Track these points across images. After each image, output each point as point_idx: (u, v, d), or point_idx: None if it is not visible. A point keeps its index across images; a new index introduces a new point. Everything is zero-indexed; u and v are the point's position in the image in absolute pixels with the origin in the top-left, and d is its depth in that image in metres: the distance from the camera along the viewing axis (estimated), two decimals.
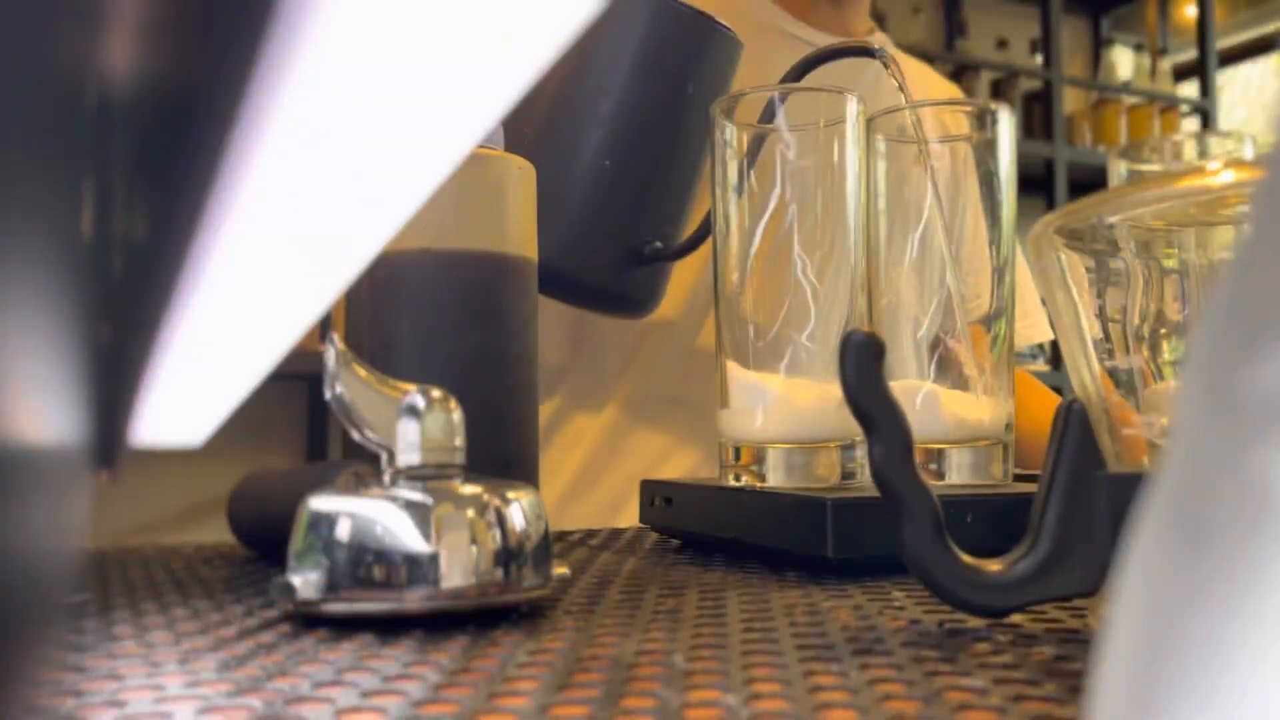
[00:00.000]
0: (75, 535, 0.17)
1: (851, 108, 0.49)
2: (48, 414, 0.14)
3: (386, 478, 0.34)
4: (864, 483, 0.48)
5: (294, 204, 0.16)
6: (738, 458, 0.48)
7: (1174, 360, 0.28)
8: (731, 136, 0.49)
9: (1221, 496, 0.12)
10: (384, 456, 0.34)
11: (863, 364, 0.28)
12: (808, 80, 0.56)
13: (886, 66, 0.56)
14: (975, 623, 0.32)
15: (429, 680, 0.26)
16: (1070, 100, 2.74)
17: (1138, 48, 2.99)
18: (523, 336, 0.51)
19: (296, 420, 2.00)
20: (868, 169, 0.50)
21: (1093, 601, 0.30)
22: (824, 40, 0.82)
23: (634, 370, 0.87)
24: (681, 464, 0.85)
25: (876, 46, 0.58)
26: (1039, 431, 0.55)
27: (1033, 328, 0.93)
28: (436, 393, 0.34)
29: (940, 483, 0.48)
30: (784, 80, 0.55)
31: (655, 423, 0.86)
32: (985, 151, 0.50)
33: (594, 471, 0.85)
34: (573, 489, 0.86)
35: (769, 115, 0.49)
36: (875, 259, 0.51)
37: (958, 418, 0.49)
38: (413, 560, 0.32)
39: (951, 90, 1.03)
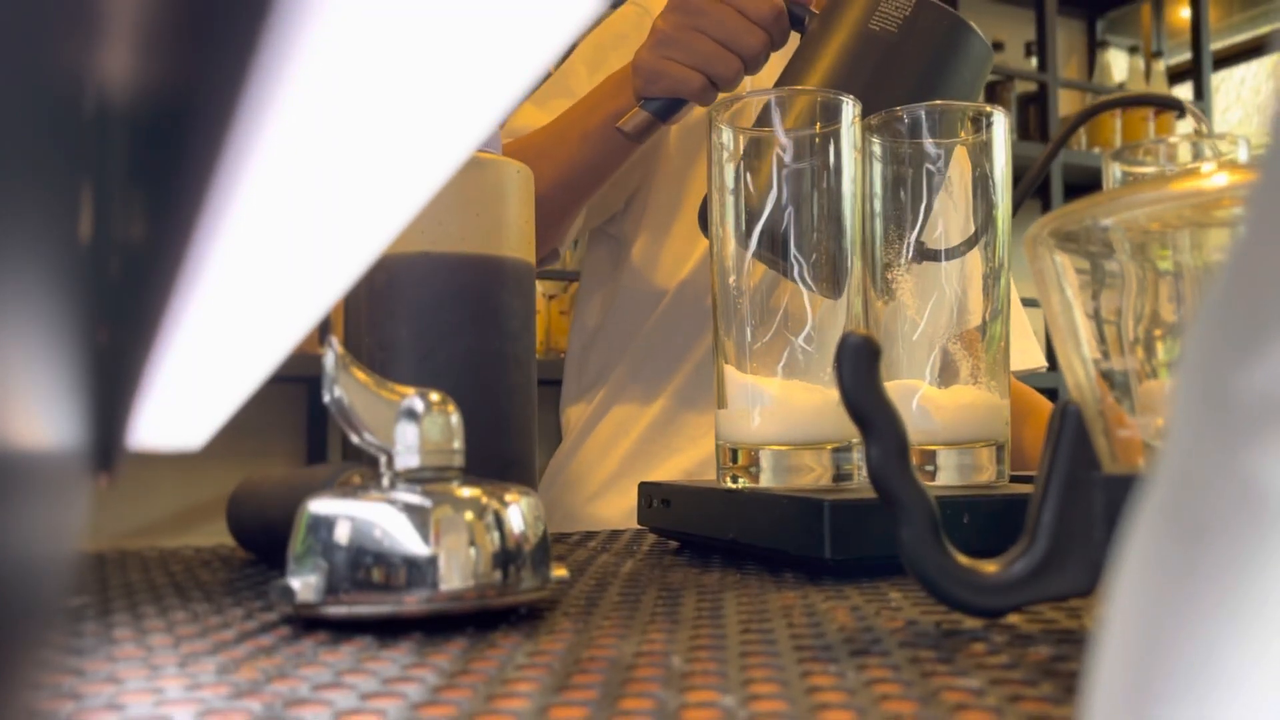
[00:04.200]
0: (74, 538, 0.17)
1: (847, 110, 0.49)
2: (47, 418, 0.14)
3: (385, 480, 0.34)
4: (861, 484, 0.48)
5: (292, 207, 0.16)
6: (735, 459, 0.48)
7: (1169, 362, 0.28)
8: (729, 140, 0.50)
9: (1216, 497, 0.12)
10: (383, 459, 0.34)
11: (859, 366, 0.28)
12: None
13: (1190, 115, 0.58)
14: (972, 623, 0.32)
15: (428, 682, 0.26)
16: (1065, 103, 2.75)
17: (1132, 50, 2.99)
18: (521, 339, 0.51)
19: (296, 423, 1.99)
20: (864, 171, 0.50)
21: (1088, 602, 0.30)
22: None
23: (686, 367, 0.87)
24: None
25: (1182, 100, 0.59)
26: (1038, 435, 0.54)
27: (1023, 353, 0.93)
28: (435, 396, 0.34)
29: (936, 484, 0.49)
30: (1065, 131, 0.57)
31: (707, 419, 0.86)
32: (980, 154, 0.50)
33: (640, 466, 0.86)
34: (615, 482, 0.87)
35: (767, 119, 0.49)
36: (871, 261, 0.51)
37: (954, 419, 0.49)
38: (411, 563, 0.32)
39: None
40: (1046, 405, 0.92)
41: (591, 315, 0.95)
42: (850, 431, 0.46)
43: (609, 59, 0.90)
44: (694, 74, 0.71)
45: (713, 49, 0.70)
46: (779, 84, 0.69)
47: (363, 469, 0.40)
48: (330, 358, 0.33)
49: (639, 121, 0.74)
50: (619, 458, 0.87)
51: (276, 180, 0.14)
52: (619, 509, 0.85)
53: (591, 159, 0.79)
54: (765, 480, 0.47)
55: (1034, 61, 2.72)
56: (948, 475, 0.49)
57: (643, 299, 0.89)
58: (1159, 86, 2.93)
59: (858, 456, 0.48)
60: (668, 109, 0.74)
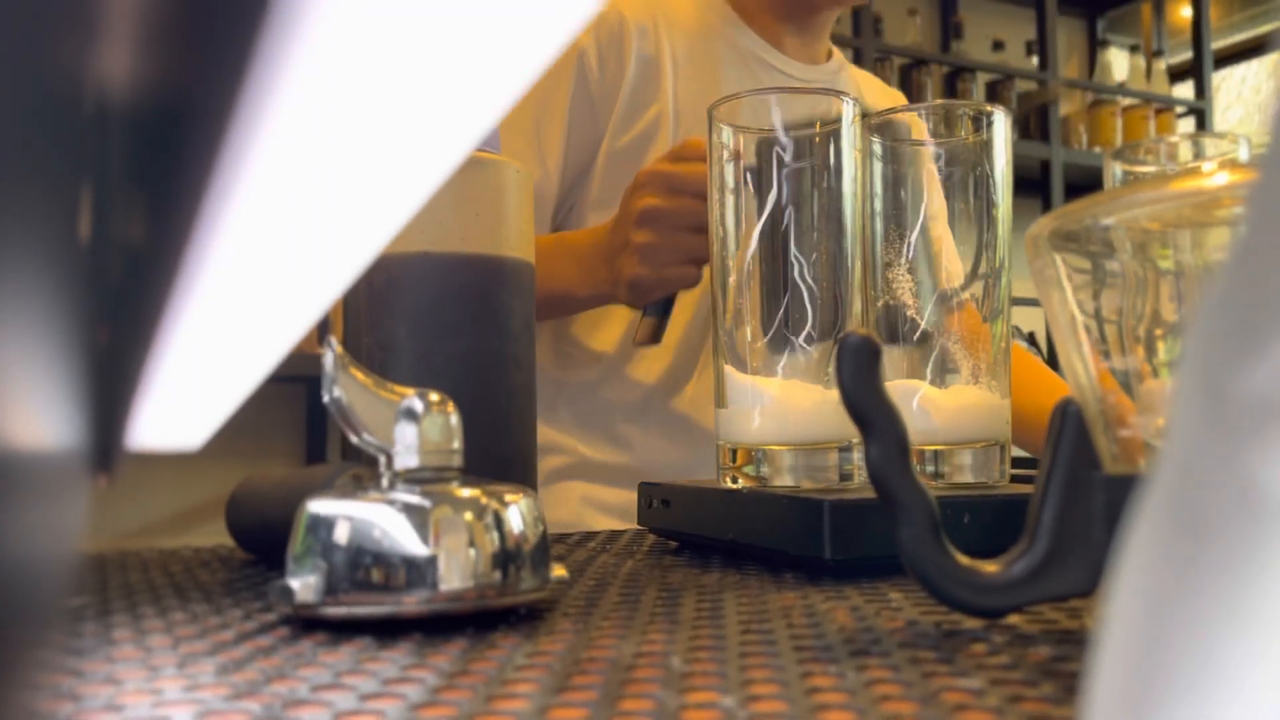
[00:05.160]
0: (74, 538, 0.17)
1: (847, 110, 0.49)
2: (46, 418, 0.14)
3: (385, 481, 0.34)
4: (861, 484, 0.48)
5: (292, 207, 0.16)
6: (735, 459, 0.48)
7: (1169, 361, 0.28)
8: (729, 140, 0.50)
9: (1216, 497, 0.12)
10: (382, 459, 0.34)
11: (860, 366, 0.28)
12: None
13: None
14: (972, 623, 0.32)
15: (427, 683, 0.26)
16: (1066, 102, 2.75)
17: (1133, 49, 2.99)
18: (520, 339, 0.51)
19: (295, 423, 1.99)
20: (863, 171, 0.50)
21: (1089, 602, 0.30)
22: (795, 68, 0.92)
23: (664, 386, 0.89)
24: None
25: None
26: (1038, 411, 0.54)
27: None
28: (434, 396, 0.34)
29: (937, 483, 0.49)
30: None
31: (666, 441, 0.88)
32: (981, 154, 0.50)
33: (621, 472, 0.87)
34: (598, 488, 0.88)
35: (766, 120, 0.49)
36: (871, 260, 0.51)
37: (954, 419, 0.49)
38: (411, 563, 0.32)
39: (897, 97, 1.05)
40: (1047, 379, 0.91)
41: (543, 340, 0.96)
42: (850, 431, 0.46)
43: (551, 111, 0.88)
44: (688, 267, 0.75)
45: (693, 238, 0.73)
46: None
47: (362, 469, 0.40)
48: (330, 358, 0.33)
49: (649, 329, 0.79)
50: (592, 469, 0.89)
51: (276, 180, 0.14)
52: (604, 508, 0.87)
53: (579, 311, 0.86)
54: (765, 480, 0.47)
55: (1034, 61, 2.72)
56: (948, 475, 0.49)
57: (580, 357, 0.91)
58: (1160, 85, 2.93)
59: (858, 456, 0.48)
60: (669, 304, 0.78)
